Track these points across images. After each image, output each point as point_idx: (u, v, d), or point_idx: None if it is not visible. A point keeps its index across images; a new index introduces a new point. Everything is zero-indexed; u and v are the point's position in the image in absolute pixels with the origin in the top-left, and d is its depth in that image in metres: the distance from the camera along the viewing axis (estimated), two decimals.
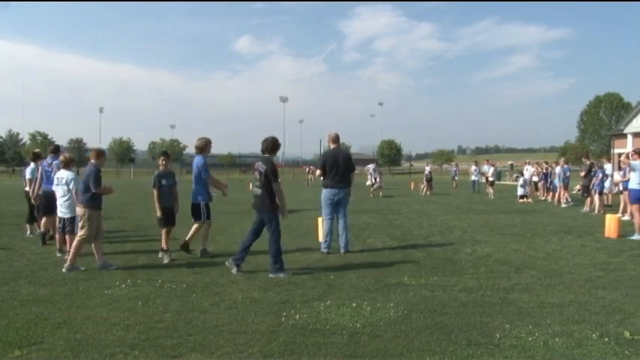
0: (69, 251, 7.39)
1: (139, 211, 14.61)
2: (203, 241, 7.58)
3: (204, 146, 7.64)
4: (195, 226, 7.59)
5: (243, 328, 4.27)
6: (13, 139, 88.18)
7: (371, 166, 22.75)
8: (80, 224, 6.75)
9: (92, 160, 6.97)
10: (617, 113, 67.95)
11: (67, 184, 7.45)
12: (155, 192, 7.27)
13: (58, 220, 7.57)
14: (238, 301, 5.06)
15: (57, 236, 7.62)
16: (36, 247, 8.37)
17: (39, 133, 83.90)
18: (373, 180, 21.94)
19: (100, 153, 7.11)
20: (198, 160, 7.59)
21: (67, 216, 7.43)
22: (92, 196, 6.70)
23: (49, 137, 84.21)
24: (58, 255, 7.45)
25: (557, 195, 17.45)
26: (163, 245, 7.25)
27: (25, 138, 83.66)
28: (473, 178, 25.58)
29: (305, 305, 4.91)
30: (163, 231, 7.28)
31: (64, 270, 6.44)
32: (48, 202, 8.42)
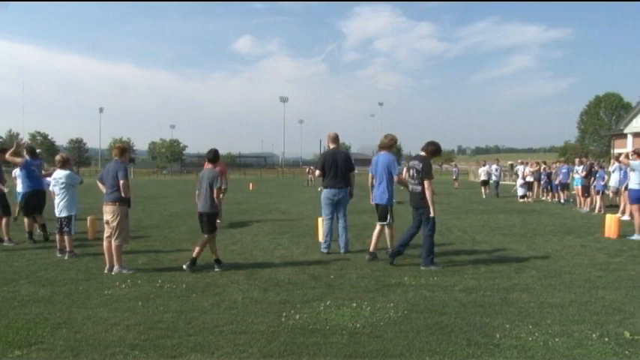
0: (70, 251, 7.41)
1: (139, 210, 14.61)
2: (391, 243, 7.25)
3: (393, 144, 7.40)
4: (386, 230, 7.32)
5: (243, 328, 4.27)
6: (13, 139, 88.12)
7: None
8: (114, 224, 6.45)
9: (116, 157, 6.77)
10: (617, 113, 67.87)
11: (64, 183, 7.45)
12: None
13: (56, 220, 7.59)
14: (238, 301, 5.06)
15: (57, 236, 7.62)
16: (36, 247, 8.37)
17: (39, 133, 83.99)
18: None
19: (124, 149, 6.96)
20: (380, 158, 7.26)
21: (63, 215, 7.44)
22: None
23: (49, 137, 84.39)
24: (58, 255, 7.45)
25: (578, 197, 15.86)
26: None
27: (25, 138, 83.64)
28: (494, 178, 22.98)
29: (305, 305, 4.91)
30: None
31: (112, 273, 6.34)
32: (31, 202, 8.80)
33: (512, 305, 4.89)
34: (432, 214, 6.60)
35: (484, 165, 23.57)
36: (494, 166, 23.44)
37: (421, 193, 6.64)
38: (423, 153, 6.86)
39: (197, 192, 6.78)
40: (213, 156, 6.95)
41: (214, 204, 6.63)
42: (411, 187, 6.84)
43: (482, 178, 22.43)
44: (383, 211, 7.25)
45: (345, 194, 7.88)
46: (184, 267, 6.44)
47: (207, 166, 6.90)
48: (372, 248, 7.24)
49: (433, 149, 6.84)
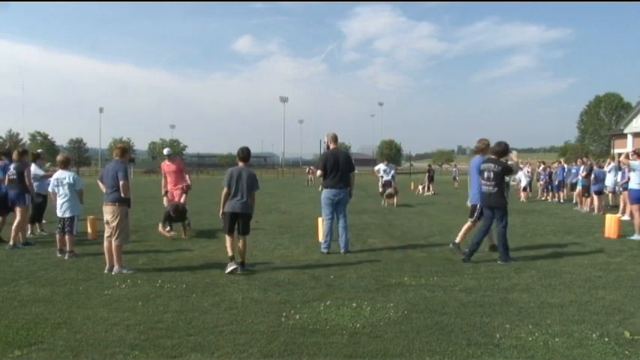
0: (70, 251, 7.41)
1: (139, 210, 14.60)
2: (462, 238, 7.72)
3: (485, 147, 7.75)
4: (468, 225, 7.77)
5: (243, 328, 4.27)
6: (13, 139, 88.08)
7: (381, 166, 17.45)
8: (114, 224, 6.43)
9: (117, 157, 6.77)
10: (617, 113, 67.81)
11: (72, 184, 7.44)
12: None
13: (58, 220, 7.59)
14: (238, 301, 5.06)
15: (57, 236, 7.62)
16: (36, 247, 8.37)
17: (39, 133, 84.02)
18: (383, 183, 16.71)
19: (125, 150, 6.97)
20: (476, 161, 7.64)
21: (66, 216, 7.44)
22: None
23: (49, 137, 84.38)
24: (59, 255, 7.45)
25: (588, 199, 14.87)
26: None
27: (25, 138, 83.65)
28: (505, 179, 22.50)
29: (305, 305, 4.91)
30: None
31: (112, 273, 6.34)
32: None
33: (512, 305, 4.90)
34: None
35: None
36: None
37: (497, 194, 7.09)
38: (493, 156, 7.26)
39: (227, 190, 6.48)
40: (247, 154, 6.72)
41: (251, 205, 6.56)
42: (485, 188, 7.19)
43: None
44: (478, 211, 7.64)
45: (346, 194, 7.88)
46: (238, 271, 6.26)
47: (239, 164, 6.62)
48: (459, 239, 7.71)
49: (500, 150, 7.28)
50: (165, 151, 10.40)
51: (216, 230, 10.39)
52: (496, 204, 7.15)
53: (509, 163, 7.35)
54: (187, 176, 10.24)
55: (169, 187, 10.01)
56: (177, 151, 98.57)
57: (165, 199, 10.05)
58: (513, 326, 4.27)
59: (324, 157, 8.02)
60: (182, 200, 9.80)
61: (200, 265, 6.86)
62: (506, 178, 22.69)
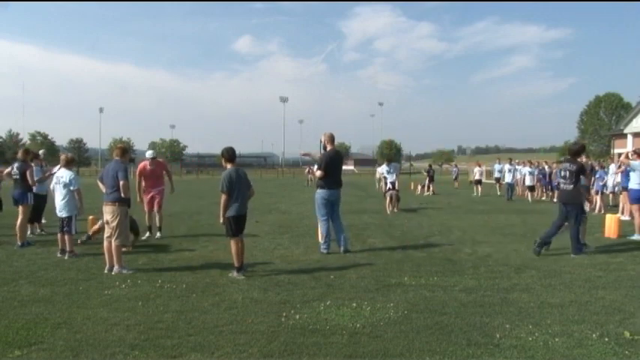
0: (70, 251, 7.41)
1: (139, 210, 14.58)
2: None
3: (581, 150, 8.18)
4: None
5: (243, 328, 4.27)
6: (12, 139, 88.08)
7: (384, 167, 16.23)
8: (114, 225, 6.44)
9: (117, 157, 6.79)
10: (617, 113, 67.76)
11: (67, 183, 7.43)
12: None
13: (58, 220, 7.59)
14: (238, 301, 5.06)
15: (58, 236, 7.61)
16: (36, 246, 8.37)
17: (39, 133, 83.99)
18: (390, 185, 15.00)
19: (125, 150, 7.01)
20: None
21: (64, 215, 7.44)
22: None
23: (49, 137, 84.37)
24: (59, 255, 7.45)
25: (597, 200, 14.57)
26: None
27: (25, 138, 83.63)
28: (507, 179, 20.20)
29: (305, 305, 4.91)
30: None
31: (112, 273, 6.32)
32: None
33: (512, 305, 4.90)
34: (586, 209, 7.86)
35: (480, 166, 23.82)
36: (506, 166, 20.98)
37: (572, 191, 7.60)
38: (569, 156, 7.83)
39: (228, 196, 6.22)
40: (234, 154, 6.53)
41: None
42: (563, 186, 7.78)
43: (477, 177, 22.72)
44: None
45: (340, 194, 7.94)
46: (241, 277, 6.08)
47: (228, 165, 6.40)
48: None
49: (575, 149, 7.95)
50: (149, 153, 9.38)
51: (217, 230, 10.39)
52: (571, 200, 7.61)
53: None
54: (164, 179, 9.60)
55: (146, 188, 9.41)
56: (177, 151, 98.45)
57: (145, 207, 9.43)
58: (513, 326, 4.27)
59: (325, 157, 7.95)
60: (156, 206, 9.42)
61: (200, 265, 6.86)
62: (506, 178, 22.47)
